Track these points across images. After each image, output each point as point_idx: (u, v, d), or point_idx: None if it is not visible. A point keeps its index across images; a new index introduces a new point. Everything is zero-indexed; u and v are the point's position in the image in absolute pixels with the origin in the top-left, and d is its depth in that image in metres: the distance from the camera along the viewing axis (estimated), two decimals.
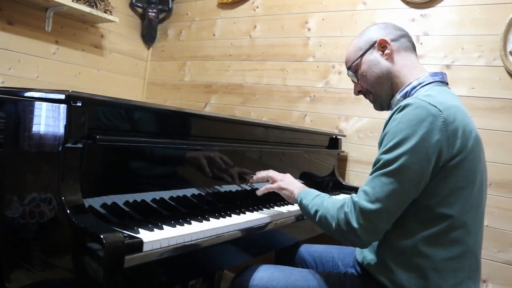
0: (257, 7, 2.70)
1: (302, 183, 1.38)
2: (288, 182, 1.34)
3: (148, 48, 3.20)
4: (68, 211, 0.89)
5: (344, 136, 2.25)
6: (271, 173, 1.39)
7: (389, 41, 1.19)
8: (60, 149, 0.93)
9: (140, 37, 3.14)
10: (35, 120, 1.01)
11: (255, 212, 1.39)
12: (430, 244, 1.02)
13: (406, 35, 1.24)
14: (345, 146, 2.26)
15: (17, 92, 1.09)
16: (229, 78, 2.78)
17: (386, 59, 1.20)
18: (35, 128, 1.01)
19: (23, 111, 1.04)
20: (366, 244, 1.06)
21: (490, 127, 1.88)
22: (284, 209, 1.51)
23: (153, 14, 3.06)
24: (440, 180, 1.01)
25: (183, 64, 3.02)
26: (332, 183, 2.16)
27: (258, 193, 1.39)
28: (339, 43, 2.36)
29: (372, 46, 1.22)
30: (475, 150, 1.05)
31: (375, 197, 0.99)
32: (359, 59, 1.24)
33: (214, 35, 2.89)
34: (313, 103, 2.42)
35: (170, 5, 3.07)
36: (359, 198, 1.02)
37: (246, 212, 1.36)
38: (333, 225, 1.07)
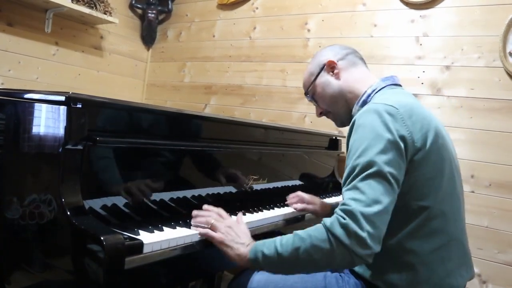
0: (257, 8, 2.70)
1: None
2: (233, 237, 1.06)
3: (148, 49, 3.20)
4: (68, 213, 0.89)
5: (344, 137, 2.24)
6: (214, 216, 1.12)
7: (336, 61, 1.26)
8: (60, 150, 0.93)
9: (140, 38, 3.14)
10: (35, 122, 1.01)
11: (254, 214, 1.39)
12: (413, 238, 1.03)
13: (352, 52, 1.30)
14: (345, 147, 2.25)
15: (17, 94, 1.09)
16: (228, 79, 2.78)
17: (336, 78, 1.26)
18: (35, 130, 1.01)
19: (23, 113, 1.04)
20: (373, 253, 0.94)
21: (489, 127, 1.88)
22: (284, 210, 1.51)
23: (153, 15, 3.06)
24: (410, 175, 1.02)
25: (183, 65, 3.02)
26: (332, 184, 2.16)
27: (192, 223, 1.12)
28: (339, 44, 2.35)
29: (322, 68, 1.28)
30: (438, 140, 1.06)
31: (370, 200, 0.92)
32: (313, 83, 1.30)
33: (213, 36, 2.89)
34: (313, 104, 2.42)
35: (170, 6, 3.07)
36: (354, 207, 0.92)
37: (246, 214, 1.36)
38: (330, 248, 0.92)
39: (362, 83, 1.23)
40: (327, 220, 0.96)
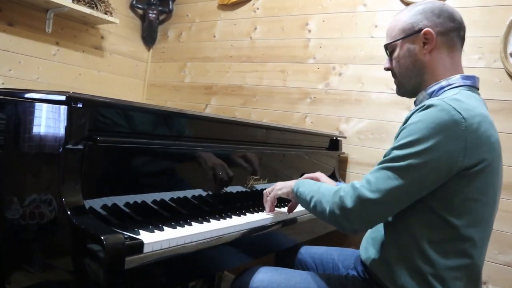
0: (258, 8, 2.70)
1: None
2: (281, 183, 1.37)
3: (149, 50, 3.20)
4: (69, 213, 0.89)
5: (345, 137, 2.25)
6: (264, 191, 1.43)
7: (435, 35, 1.10)
8: (60, 150, 0.92)
9: (141, 39, 3.14)
10: (36, 122, 1.01)
11: (255, 214, 1.39)
12: (437, 250, 1.00)
13: (457, 29, 1.13)
14: (346, 148, 2.26)
15: (17, 94, 1.09)
16: (229, 80, 2.78)
17: (424, 53, 1.12)
18: (35, 130, 1.01)
19: (23, 113, 1.04)
20: (355, 230, 1.05)
21: None
22: (285, 210, 1.50)
23: (154, 15, 3.06)
24: (454, 188, 0.98)
25: (183, 66, 3.02)
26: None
27: (266, 211, 1.42)
28: (340, 44, 2.36)
29: (415, 33, 1.12)
30: (495, 163, 1.02)
31: (376, 187, 0.99)
32: (399, 41, 1.16)
33: (214, 36, 2.89)
34: (314, 105, 2.42)
35: (171, 7, 3.08)
36: (361, 185, 1.02)
37: (247, 214, 1.36)
38: (327, 209, 1.08)
39: (445, 72, 1.12)
40: (337, 187, 1.10)
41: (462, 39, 1.16)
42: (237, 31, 2.78)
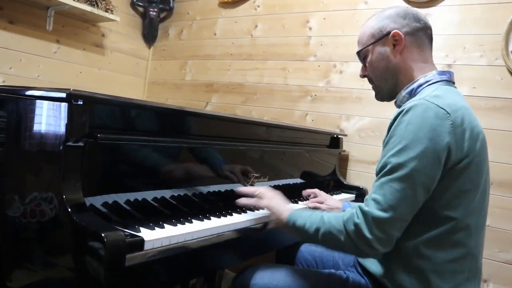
0: (258, 6, 2.70)
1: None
2: (277, 203, 1.24)
3: (149, 47, 3.19)
4: (69, 210, 0.89)
5: (345, 135, 2.25)
6: (261, 189, 1.30)
7: (403, 36, 1.13)
8: (61, 148, 0.92)
9: (141, 36, 3.14)
10: (36, 119, 1.01)
11: (256, 211, 1.39)
12: (432, 246, 1.01)
13: (424, 28, 1.17)
14: (346, 146, 2.25)
15: (18, 91, 1.09)
16: (230, 77, 2.78)
17: (395, 54, 1.15)
18: (36, 127, 1.01)
19: (24, 110, 1.04)
20: (380, 254, 1.02)
21: (491, 126, 1.88)
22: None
23: (154, 13, 3.06)
24: (447, 183, 0.99)
25: (184, 63, 3.02)
26: (333, 182, 2.16)
27: (239, 203, 1.30)
28: (340, 42, 2.35)
29: (385, 36, 1.15)
30: (482, 153, 1.04)
31: (387, 205, 0.96)
32: (370, 46, 1.19)
33: (215, 34, 2.89)
34: (314, 103, 2.42)
35: (171, 4, 3.07)
36: (370, 207, 0.97)
37: (248, 211, 1.36)
38: (342, 239, 1.01)
39: (419, 70, 1.14)
40: (346, 214, 1.03)
41: (430, 38, 1.19)
42: (237, 29, 2.78)
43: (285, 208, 1.20)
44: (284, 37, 2.58)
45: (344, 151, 2.25)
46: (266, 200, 1.26)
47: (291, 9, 2.56)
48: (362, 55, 1.22)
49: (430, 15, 2.08)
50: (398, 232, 0.99)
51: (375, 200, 0.98)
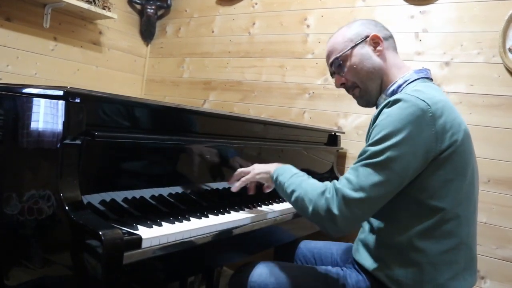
0: (256, 3, 2.69)
1: None
2: (260, 167, 1.30)
3: (147, 45, 3.19)
4: (67, 208, 0.89)
5: (343, 133, 2.25)
6: (239, 170, 1.34)
7: (382, 38, 1.20)
8: (58, 145, 0.92)
9: (139, 34, 3.13)
10: (34, 117, 1.01)
11: (253, 209, 1.39)
12: (424, 238, 1.03)
13: (392, 36, 1.25)
14: (344, 143, 2.26)
15: (15, 89, 1.08)
16: (228, 75, 2.78)
17: (378, 55, 1.19)
18: (33, 125, 1.00)
19: (21, 108, 1.04)
20: (341, 232, 1.04)
21: (488, 124, 1.88)
22: (284, 205, 1.51)
23: (152, 10, 3.05)
24: (431, 174, 1.02)
25: (182, 61, 3.02)
26: (331, 180, 2.16)
27: (233, 189, 1.33)
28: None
29: (364, 40, 1.20)
30: (465, 143, 1.06)
31: (359, 186, 0.99)
32: (349, 50, 1.20)
33: (213, 31, 2.88)
34: (312, 100, 2.42)
35: (169, 2, 3.06)
36: (342, 185, 1.01)
37: (245, 209, 1.36)
38: (310, 208, 1.05)
39: (398, 71, 1.19)
40: (322, 187, 1.06)
41: (396, 47, 1.26)
42: (235, 27, 2.77)
43: (272, 165, 1.28)
44: (282, 34, 2.58)
45: (342, 148, 2.25)
46: (252, 170, 1.30)
47: (289, 6, 2.56)
48: (340, 60, 1.22)
49: (428, 12, 2.09)
50: (364, 215, 1.02)
51: (348, 180, 1.01)
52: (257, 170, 1.30)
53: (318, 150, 2.07)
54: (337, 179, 2.13)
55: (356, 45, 1.20)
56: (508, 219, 1.82)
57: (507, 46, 1.85)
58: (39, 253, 0.99)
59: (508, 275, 1.81)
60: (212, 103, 2.83)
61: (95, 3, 2.50)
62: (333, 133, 2.19)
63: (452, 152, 1.02)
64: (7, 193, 1.03)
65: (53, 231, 0.95)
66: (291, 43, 2.53)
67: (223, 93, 2.79)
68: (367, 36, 1.19)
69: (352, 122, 2.27)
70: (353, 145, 2.26)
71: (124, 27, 3.01)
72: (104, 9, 2.56)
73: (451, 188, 1.03)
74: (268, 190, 1.35)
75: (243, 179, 1.31)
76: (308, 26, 2.48)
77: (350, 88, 1.26)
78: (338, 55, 1.22)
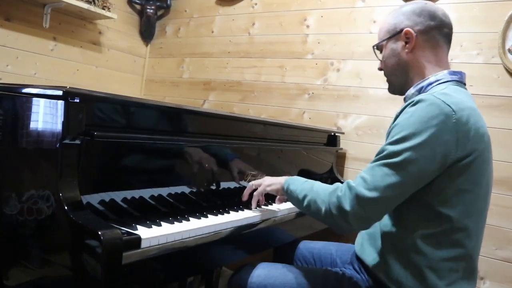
0: (256, 4, 2.70)
1: None
2: (270, 179, 1.33)
3: (147, 45, 3.19)
4: (66, 208, 0.89)
5: (343, 133, 2.25)
6: (250, 183, 1.37)
7: (414, 34, 1.14)
8: (58, 145, 0.92)
9: (139, 34, 3.13)
10: (33, 117, 1.00)
11: (253, 209, 1.39)
12: (430, 243, 1.02)
13: (438, 26, 1.16)
14: (344, 144, 2.26)
15: (14, 89, 1.08)
16: (227, 75, 2.78)
17: (407, 52, 1.16)
18: (32, 125, 1.00)
19: (21, 108, 1.04)
20: (352, 230, 1.04)
21: (488, 124, 1.83)
22: (283, 206, 1.50)
23: (152, 11, 3.05)
24: (446, 180, 1.00)
25: (182, 61, 3.01)
26: (330, 181, 2.16)
27: (253, 207, 1.37)
28: (338, 40, 2.35)
29: (398, 33, 1.17)
30: (485, 154, 1.04)
31: (373, 185, 0.98)
32: (384, 41, 1.21)
33: (212, 32, 2.88)
34: (312, 100, 2.42)
35: (169, 2, 3.06)
36: (357, 184, 1.00)
37: (245, 209, 1.36)
38: (323, 209, 1.05)
39: (431, 68, 1.15)
40: (333, 186, 1.07)
41: (446, 36, 1.18)
42: (235, 27, 2.77)
43: (282, 177, 1.29)
44: (281, 35, 2.58)
45: (342, 149, 2.25)
46: (263, 182, 1.33)
47: (289, 7, 2.56)
48: (378, 49, 1.25)
49: None
50: (377, 215, 1.02)
51: (363, 178, 1.01)
52: (267, 182, 1.31)
53: (317, 150, 2.07)
54: (337, 179, 2.15)
55: (390, 38, 1.19)
56: (508, 220, 1.82)
57: (507, 47, 1.85)
58: (39, 253, 0.99)
59: (508, 276, 1.81)
60: (211, 103, 2.83)
61: (94, 3, 2.50)
62: (332, 134, 2.19)
63: (472, 161, 1.00)
64: (6, 193, 1.03)
65: (53, 231, 0.95)
66: (291, 43, 2.53)
67: (223, 93, 2.79)
68: (402, 30, 1.16)
69: (352, 122, 2.27)
70: (352, 145, 2.26)
71: (124, 27, 3.01)
72: (104, 9, 2.56)
73: (464, 198, 1.01)
74: (280, 203, 1.39)
75: (255, 193, 1.34)
76: (307, 26, 2.48)
77: (384, 74, 1.27)
78: (377, 43, 1.25)
